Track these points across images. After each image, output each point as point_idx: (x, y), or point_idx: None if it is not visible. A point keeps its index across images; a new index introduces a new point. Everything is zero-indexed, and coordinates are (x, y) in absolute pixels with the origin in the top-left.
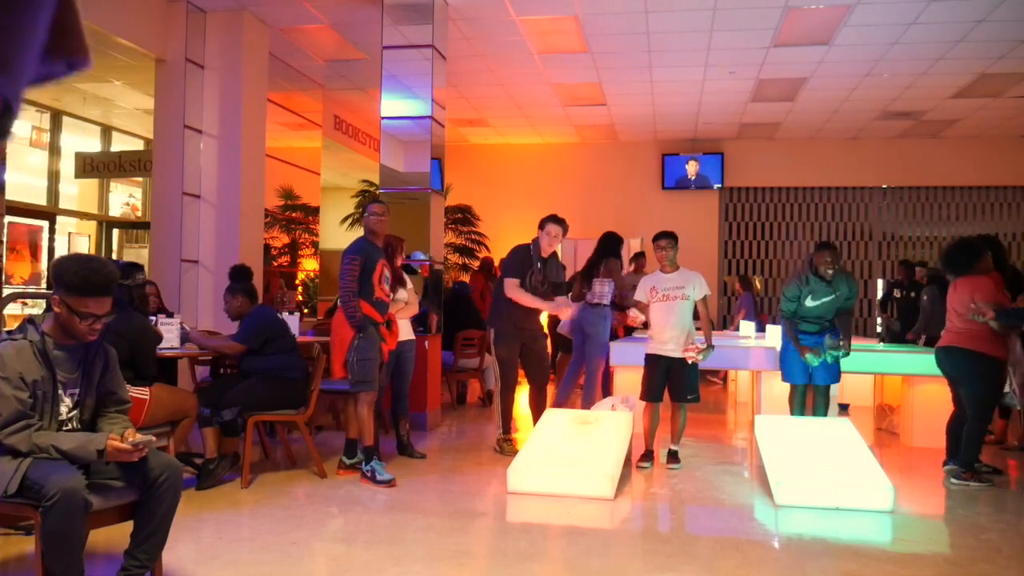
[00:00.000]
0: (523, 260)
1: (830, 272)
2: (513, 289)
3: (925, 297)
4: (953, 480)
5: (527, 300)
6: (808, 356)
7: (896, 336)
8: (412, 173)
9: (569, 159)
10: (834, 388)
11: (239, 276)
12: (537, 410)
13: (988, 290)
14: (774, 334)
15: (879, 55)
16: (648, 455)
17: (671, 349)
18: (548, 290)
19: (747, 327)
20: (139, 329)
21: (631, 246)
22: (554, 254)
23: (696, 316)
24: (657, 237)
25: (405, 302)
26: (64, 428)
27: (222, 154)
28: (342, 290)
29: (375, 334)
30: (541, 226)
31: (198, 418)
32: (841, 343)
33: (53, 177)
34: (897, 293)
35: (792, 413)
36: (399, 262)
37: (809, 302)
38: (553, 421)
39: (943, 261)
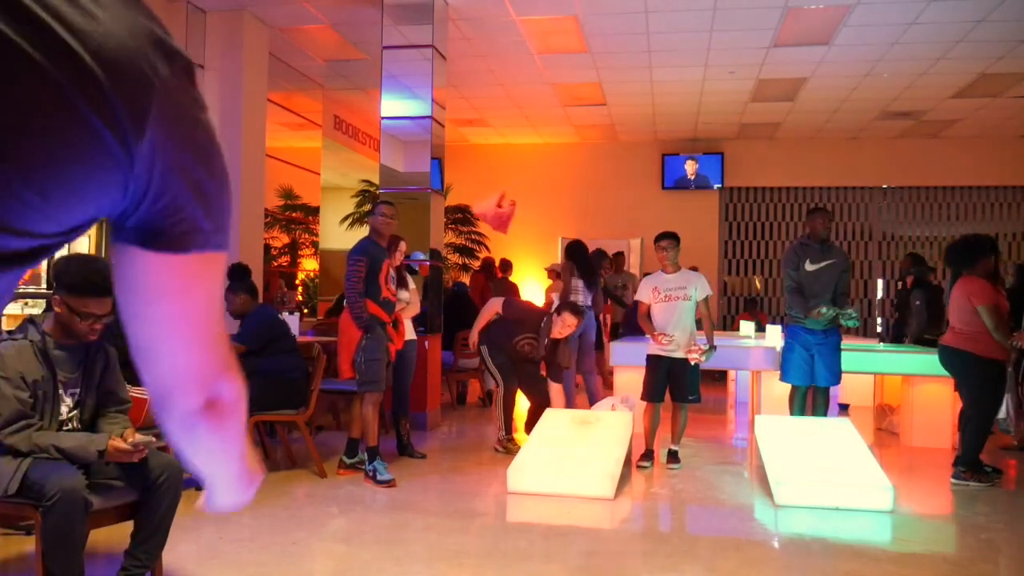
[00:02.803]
0: (529, 316)
1: (821, 232)
2: (489, 305)
3: (917, 302)
4: (953, 480)
5: (483, 320)
6: (822, 311)
7: (897, 334)
8: (412, 173)
9: (569, 159)
10: (834, 388)
11: (238, 275)
12: (532, 426)
13: (985, 293)
14: (774, 334)
15: (879, 55)
16: (648, 455)
17: (673, 350)
18: (537, 358)
19: (747, 327)
20: None
21: (631, 246)
22: (568, 339)
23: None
24: (659, 238)
25: (407, 302)
26: (64, 428)
27: None
28: (348, 291)
29: (382, 334)
30: (559, 312)
31: None
32: (848, 308)
33: None
34: (899, 285)
35: (792, 414)
36: (398, 261)
37: (808, 266)
38: (553, 421)
39: (947, 258)
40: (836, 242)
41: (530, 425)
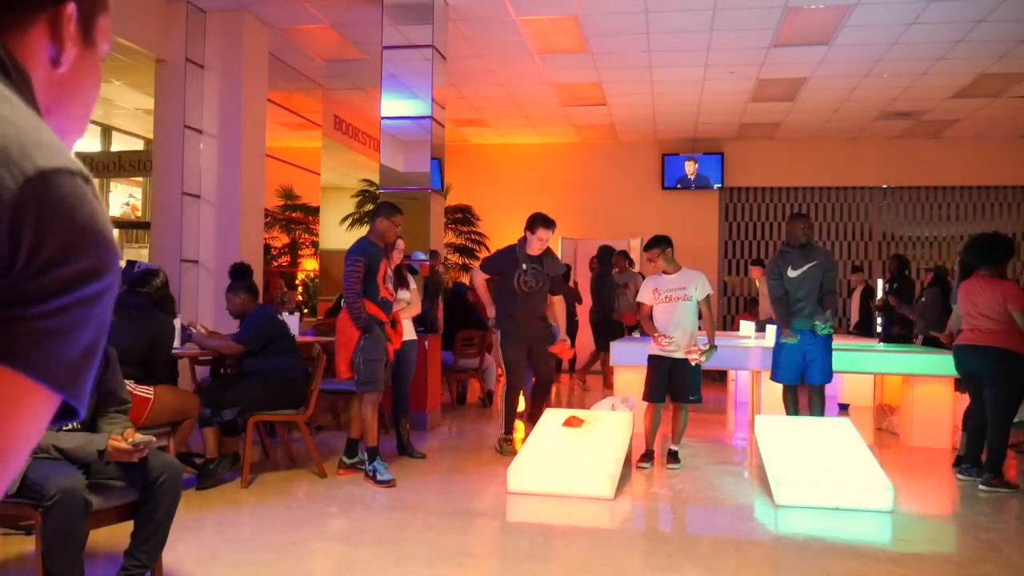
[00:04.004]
0: (503, 259)
1: (800, 239)
2: (475, 279)
3: (924, 299)
4: (983, 487)
5: (483, 295)
6: (788, 339)
7: (887, 332)
8: (412, 173)
9: (569, 159)
10: (833, 388)
11: (240, 274)
12: (537, 405)
13: (1020, 298)
14: (774, 334)
15: (879, 55)
16: (648, 455)
17: (673, 350)
18: (543, 288)
19: (747, 327)
20: (162, 329)
21: (631, 246)
22: (549, 250)
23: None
24: (646, 248)
25: (407, 302)
26: (64, 428)
27: (222, 154)
28: (346, 291)
29: (380, 334)
30: (531, 228)
31: (198, 418)
32: (827, 314)
33: None
34: (887, 287)
35: (787, 413)
36: (396, 261)
37: (791, 272)
38: (553, 421)
39: (973, 252)
40: (820, 242)
41: (534, 406)
